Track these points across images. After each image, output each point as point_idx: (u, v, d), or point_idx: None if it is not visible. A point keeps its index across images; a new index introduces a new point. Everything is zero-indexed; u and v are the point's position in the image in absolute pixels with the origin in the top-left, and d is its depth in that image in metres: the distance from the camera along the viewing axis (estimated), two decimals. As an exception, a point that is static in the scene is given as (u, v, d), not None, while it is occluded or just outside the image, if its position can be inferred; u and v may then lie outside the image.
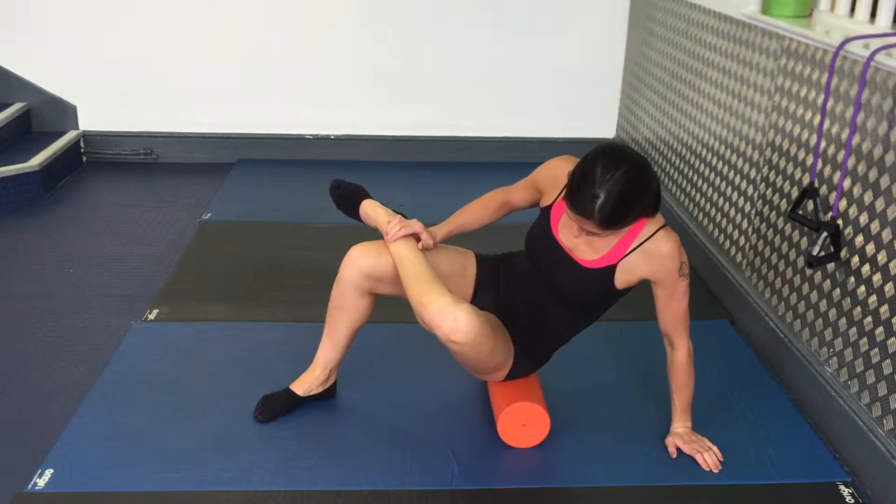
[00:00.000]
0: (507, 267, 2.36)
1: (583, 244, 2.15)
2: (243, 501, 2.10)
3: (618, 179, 1.92)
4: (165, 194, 4.18)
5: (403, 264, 2.19)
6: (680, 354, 2.23)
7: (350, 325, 2.37)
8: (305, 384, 2.44)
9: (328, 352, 2.42)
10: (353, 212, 2.43)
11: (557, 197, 2.21)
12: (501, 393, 2.35)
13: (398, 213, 2.37)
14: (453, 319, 2.02)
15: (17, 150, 4.19)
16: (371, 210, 2.38)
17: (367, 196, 2.43)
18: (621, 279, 2.14)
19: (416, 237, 2.27)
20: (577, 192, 1.95)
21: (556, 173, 2.23)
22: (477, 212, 2.39)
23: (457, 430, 2.38)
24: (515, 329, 2.28)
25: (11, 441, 2.32)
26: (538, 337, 2.29)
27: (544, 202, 2.28)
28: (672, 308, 2.18)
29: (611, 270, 2.13)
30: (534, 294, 2.26)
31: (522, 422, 2.29)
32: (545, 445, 2.33)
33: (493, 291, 2.34)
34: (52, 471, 2.16)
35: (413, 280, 2.14)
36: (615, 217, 1.96)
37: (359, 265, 2.28)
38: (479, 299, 2.34)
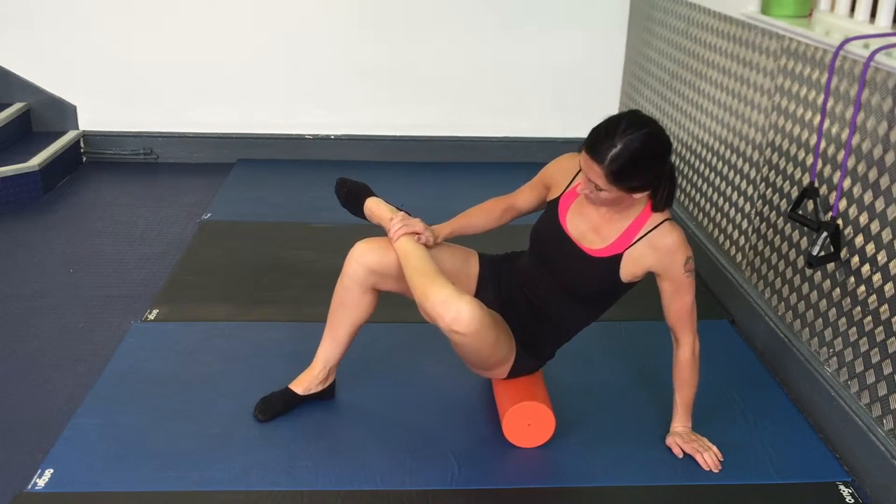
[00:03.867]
0: (509, 265, 2.37)
1: (589, 232, 2.17)
2: (243, 501, 2.10)
3: (637, 137, 1.97)
4: (165, 194, 4.18)
5: (408, 259, 2.21)
6: (684, 351, 2.23)
7: (352, 322, 2.37)
8: (305, 383, 2.44)
9: (328, 350, 2.42)
10: (358, 209, 2.45)
11: (566, 189, 2.23)
12: (506, 392, 2.34)
13: (402, 210, 2.38)
14: (456, 310, 2.03)
15: (17, 150, 4.19)
16: (375, 207, 2.40)
17: (372, 194, 2.45)
18: (626, 270, 2.15)
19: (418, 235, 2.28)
20: (596, 138, 1.99)
21: (566, 166, 2.28)
22: (480, 216, 2.41)
23: (457, 430, 2.38)
24: (518, 326, 2.28)
25: (11, 441, 2.32)
26: (541, 333, 2.30)
27: (552, 195, 2.29)
28: (676, 304, 2.18)
29: (617, 260, 2.14)
30: (537, 290, 2.26)
31: (528, 421, 2.29)
32: (545, 445, 2.33)
33: (495, 289, 2.34)
34: (52, 471, 2.16)
35: (416, 273, 2.15)
36: (623, 172, 1.97)
37: (363, 261, 2.29)
38: (481, 297, 2.33)
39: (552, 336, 2.33)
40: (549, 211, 2.26)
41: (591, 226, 2.17)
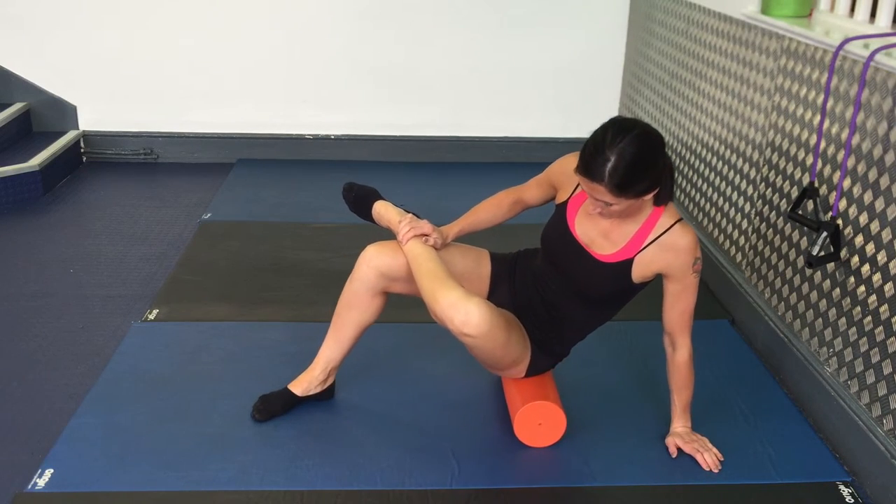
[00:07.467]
0: (523, 264, 2.37)
1: (599, 238, 2.16)
2: (243, 501, 2.10)
3: (628, 142, 1.93)
4: (165, 194, 4.18)
5: (417, 262, 2.21)
6: (681, 354, 2.23)
7: (358, 324, 2.37)
8: (304, 384, 2.44)
9: (331, 351, 2.42)
10: (367, 213, 2.45)
11: (573, 192, 2.22)
12: (518, 391, 2.34)
13: (410, 212, 2.38)
14: (465, 312, 2.03)
15: (17, 150, 4.20)
16: (384, 211, 2.41)
17: (380, 197, 2.46)
18: (638, 273, 2.15)
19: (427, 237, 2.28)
20: (589, 158, 1.96)
21: (570, 169, 2.21)
22: (489, 210, 2.40)
23: (457, 429, 2.38)
24: (533, 325, 2.28)
25: (11, 441, 2.32)
26: (556, 333, 2.30)
27: (559, 198, 2.29)
28: (680, 305, 2.18)
29: (628, 264, 2.14)
30: (551, 291, 2.27)
31: (539, 420, 2.29)
32: (545, 445, 2.33)
33: (509, 288, 2.35)
34: (52, 471, 2.16)
35: (426, 276, 2.16)
36: (627, 181, 1.95)
37: (374, 264, 2.29)
38: (495, 296, 2.34)
39: (567, 335, 2.33)
40: (558, 215, 2.25)
41: (601, 231, 2.16)
